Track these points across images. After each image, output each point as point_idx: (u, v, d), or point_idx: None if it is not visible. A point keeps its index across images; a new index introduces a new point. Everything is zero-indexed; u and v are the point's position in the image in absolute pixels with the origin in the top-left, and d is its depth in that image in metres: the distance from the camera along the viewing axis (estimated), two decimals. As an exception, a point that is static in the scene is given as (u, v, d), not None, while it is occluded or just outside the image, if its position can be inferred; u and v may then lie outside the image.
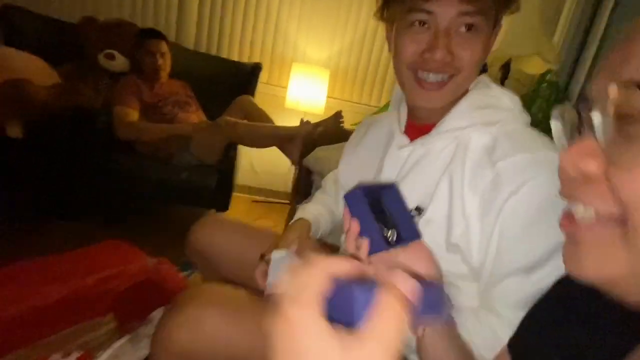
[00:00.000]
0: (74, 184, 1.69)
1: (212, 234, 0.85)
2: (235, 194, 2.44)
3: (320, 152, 1.43)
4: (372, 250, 0.44)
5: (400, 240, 0.46)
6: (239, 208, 2.32)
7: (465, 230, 0.55)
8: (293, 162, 1.75)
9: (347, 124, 1.91)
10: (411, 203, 0.60)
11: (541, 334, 0.46)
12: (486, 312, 0.55)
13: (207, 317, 0.57)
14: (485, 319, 0.54)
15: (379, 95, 2.53)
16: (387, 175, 0.66)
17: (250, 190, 2.57)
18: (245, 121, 1.82)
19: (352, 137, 0.83)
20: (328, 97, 2.30)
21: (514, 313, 0.52)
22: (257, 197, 2.54)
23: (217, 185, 1.77)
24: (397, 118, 0.70)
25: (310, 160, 1.45)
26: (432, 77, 0.58)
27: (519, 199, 0.51)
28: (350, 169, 0.78)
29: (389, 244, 0.43)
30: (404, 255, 0.45)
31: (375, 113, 1.34)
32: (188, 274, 1.22)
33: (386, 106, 1.05)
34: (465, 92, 0.62)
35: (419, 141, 0.62)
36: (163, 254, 1.65)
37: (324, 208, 0.84)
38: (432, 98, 0.59)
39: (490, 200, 0.53)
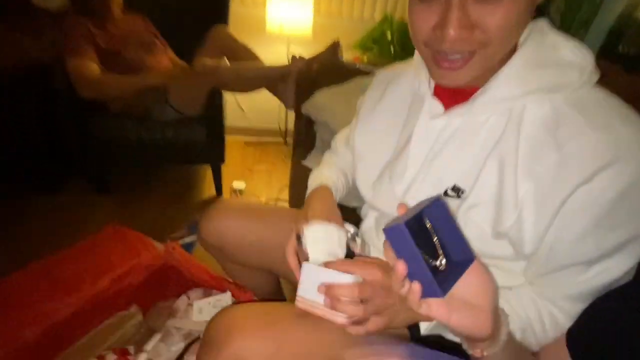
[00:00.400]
0: (48, 152, 1.51)
1: (223, 224, 0.77)
2: (225, 136, 2.29)
3: (320, 98, 1.27)
4: (425, 295, 0.40)
5: (452, 266, 0.42)
6: (232, 154, 2.19)
7: (517, 220, 0.47)
8: (288, 107, 1.57)
9: (342, 48, 1.66)
10: (447, 181, 0.52)
11: (613, 331, 0.45)
12: (545, 301, 0.51)
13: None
14: (545, 309, 0.51)
15: (372, 4, 2.16)
16: (416, 150, 0.56)
17: (239, 130, 2.40)
18: (226, 63, 1.57)
19: (368, 97, 0.69)
20: (315, 14, 1.97)
21: (572, 305, 0.50)
22: (249, 139, 2.40)
23: (207, 138, 1.62)
24: (426, 76, 0.56)
25: (310, 108, 1.29)
26: (451, 55, 0.45)
27: (591, 190, 0.42)
28: (368, 137, 0.66)
29: (438, 274, 0.40)
30: (459, 290, 0.40)
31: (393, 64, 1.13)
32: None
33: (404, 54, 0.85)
34: (514, 49, 0.49)
35: (458, 111, 0.51)
36: (163, 217, 1.62)
37: (339, 173, 0.75)
38: (454, 77, 0.47)
39: (551, 188, 0.44)
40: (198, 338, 0.83)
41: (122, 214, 1.59)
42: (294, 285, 1.03)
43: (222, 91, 1.58)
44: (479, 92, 0.50)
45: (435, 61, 0.47)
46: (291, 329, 0.54)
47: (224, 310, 0.59)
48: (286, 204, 1.71)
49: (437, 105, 0.54)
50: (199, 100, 1.54)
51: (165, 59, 1.67)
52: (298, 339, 0.53)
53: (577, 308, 0.50)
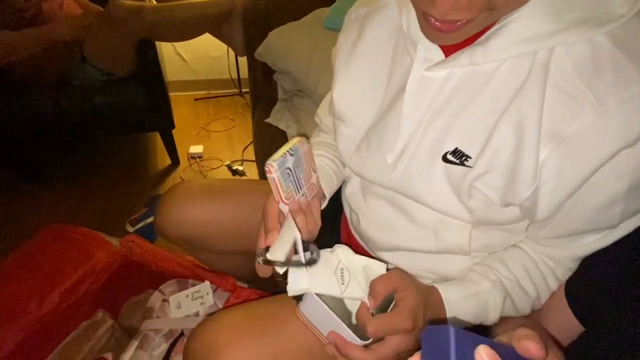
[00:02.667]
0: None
1: (184, 213, 0.65)
2: (171, 95, 2.01)
3: (276, 40, 1.07)
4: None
5: None
6: (182, 115, 1.95)
7: (534, 191, 0.39)
8: (238, 53, 1.35)
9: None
10: (448, 144, 0.42)
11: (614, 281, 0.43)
12: (549, 261, 0.48)
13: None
14: (549, 271, 0.48)
15: None
16: (410, 110, 0.44)
17: (185, 85, 2.12)
18: (151, 3, 1.27)
19: (340, 45, 0.53)
20: None
21: (578, 264, 0.47)
22: (198, 93, 2.13)
23: (147, 101, 1.38)
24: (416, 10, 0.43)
25: (264, 53, 1.09)
26: (443, 18, 0.34)
27: (636, 154, 0.34)
28: (347, 93, 0.52)
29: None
30: None
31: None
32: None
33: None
34: None
35: (463, 58, 0.39)
36: (116, 201, 1.43)
37: (328, 160, 0.60)
38: (447, 39, 0.37)
39: (583, 153, 0.35)
40: (182, 334, 0.75)
41: (63, 207, 1.38)
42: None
43: (155, 41, 1.31)
44: (494, 29, 0.37)
45: (425, 18, 0.36)
46: (285, 334, 0.48)
47: (205, 322, 0.50)
48: (253, 165, 1.57)
49: (435, 50, 0.42)
50: (125, 55, 1.27)
51: (70, 2, 1.33)
52: (294, 344, 0.47)
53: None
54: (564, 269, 0.48)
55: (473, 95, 0.40)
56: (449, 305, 0.45)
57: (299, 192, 0.46)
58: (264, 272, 0.45)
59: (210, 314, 0.77)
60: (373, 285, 0.42)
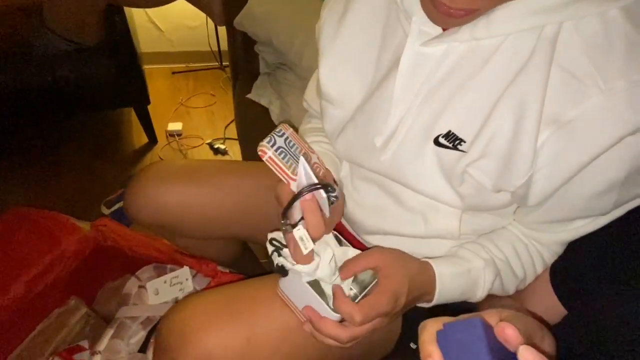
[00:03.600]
0: None
1: (158, 198, 0.60)
2: (146, 68, 1.89)
3: (257, 6, 0.99)
4: None
5: None
6: (159, 89, 1.84)
7: (530, 178, 0.37)
8: (217, 22, 1.25)
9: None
10: (440, 127, 0.39)
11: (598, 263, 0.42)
12: (537, 245, 0.47)
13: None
14: (537, 254, 0.47)
15: None
16: (403, 89, 0.41)
17: (161, 57, 1.99)
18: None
19: (325, 19, 0.49)
20: None
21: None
22: (176, 66, 2.01)
23: (118, 73, 1.28)
24: None
25: (244, 21, 1.01)
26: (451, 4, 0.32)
27: (635, 143, 0.32)
28: (334, 72, 0.48)
29: None
30: None
31: None
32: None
33: None
34: None
35: (464, 30, 0.36)
36: (88, 183, 1.34)
37: (322, 147, 0.56)
38: (456, 22, 0.35)
39: (584, 139, 0.33)
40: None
41: (30, 189, 1.30)
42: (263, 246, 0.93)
43: (124, 7, 1.20)
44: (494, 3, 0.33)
45: (432, 1, 0.33)
46: (260, 315, 0.46)
47: (175, 306, 0.47)
48: (236, 143, 1.51)
49: (431, 24, 0.37)
50: (91, 22, 1.15)
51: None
52: (270, 325, 0.45)
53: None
54: (551, 253, 0.47)
55: (472, 74, 0.37)
56: (441, 281, 0.43)
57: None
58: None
59: (190, 300, 0.75)
60: (347, 262, 0.42)
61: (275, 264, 0.42)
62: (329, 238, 0.44)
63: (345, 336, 0.40)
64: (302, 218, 0.39)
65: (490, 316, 0.27)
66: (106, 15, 1.17)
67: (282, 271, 0.42)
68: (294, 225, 0.39)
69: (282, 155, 0.39)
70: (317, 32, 0.51)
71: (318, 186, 0.38)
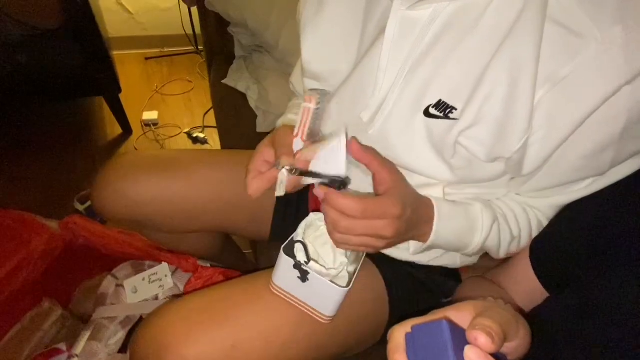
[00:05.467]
0: None
1: (130, 192, 0.56)
2: (116, 53, 1.78)
3: (228, -15, 0.93)
4: None
5: None
6: (132, 76, 1.75)
7: (526, 142, 0.36)
8: (187, 2, 1.18)
9: None
10: (430, 96, 0.38)
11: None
12: (534, 210, 0.46)
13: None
14: (535, 218, 0.46)
15: None
16: (390, 58, 0.39)
17: (132, 42, 1.88)
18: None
19: None
20: None
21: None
22: (149, 51, 1.91)
23: (84, 59, 1.20)
24: None
25: (215, 1, 0.95)
26: None
27: (634, 90, 0.31)
28: (319, 48, 0.46)
29: None
30: None
31: None
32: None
33: None
34: None
35: None
36: (59, 178, 1.27)
37: None
38: None
39: (581, 93, 0.32)
40: (141, 319, 0.70)
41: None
42: (248, 239, 0.90)
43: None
44: None
45: None
46: (245, 318, 0.44)
47: (154, 315, 0.44)
48: (216, 132, 1.46)
49: None
50: (48, 3, 1.06)
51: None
52: (256, 327, 0.44)
53: None
54: (546, 217, 0.46)
55: (461, 36, 0.35)
56: (439, 214, 0.41)
57: (316, 137, 0.44)
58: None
59: (172, 297, 0.72)
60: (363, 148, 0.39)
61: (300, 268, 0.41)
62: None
63: (357, 207, 0.36)
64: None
65: (465, 309, 0.27)
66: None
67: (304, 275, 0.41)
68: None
69: (315, 117, 0.40)
70: (299, 11, 0.48)
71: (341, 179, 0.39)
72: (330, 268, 0.41)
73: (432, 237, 0.42)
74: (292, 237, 0.44)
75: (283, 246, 0.43)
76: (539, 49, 0.32)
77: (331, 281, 0.40)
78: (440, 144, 0.39)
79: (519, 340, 0.27)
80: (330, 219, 0.37)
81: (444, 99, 0.37)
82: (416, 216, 0.40)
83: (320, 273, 0.40)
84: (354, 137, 0.40)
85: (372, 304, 0.53)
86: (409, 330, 0.24)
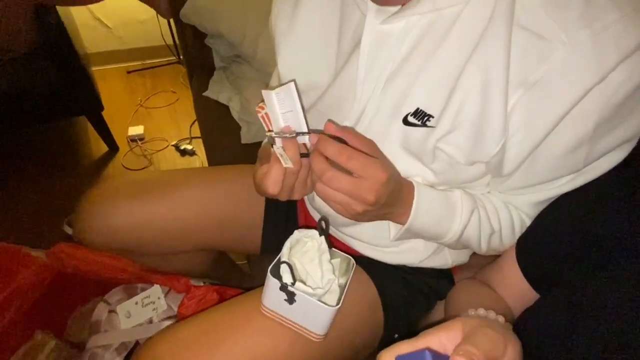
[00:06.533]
0: None
1: (108, 219, 0.55)
2: (97, 69, 1.76)
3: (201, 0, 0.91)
4: None
5: None
6: (114, 90, 1.73)
7: (503, 145, 0.36)
8: (163, 14, 1.16)
9: None
10: (408, 105, 0.38)
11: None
12: (513, 208, 0.46)
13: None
14: (517, 216, 0.46)
15: None
16: (366, 70, 0.39)
17: (112, 56, 1.86)
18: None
19: (279, 9, 0.47)
20: None
21: (538, 209, 0.45)
22: (131, 65, 1.88)
23: (63, 80, 1.18)
24: None
25: (190, 14, 0.93)
26: None
27: (605, 89, 0.32)
28: (296, 62, 0.46)
29: None
30: None
31: None
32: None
33: None
34: None
35: (421, 6, 0.35)
36: (46, 202, 1.25)
37: None
38: (392, 2, 0.35)
39: (553, 96, 0.33)
40: (137, 344, 0.69)
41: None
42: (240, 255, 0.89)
43: (56, 7, 1.09)
44: None
45: None
46: (240, 342, 0.44)
47: (146, 345, 0.44)
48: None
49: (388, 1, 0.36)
50: (20, 26, 1.04)
51: None
52: (251, 350, 0.43)
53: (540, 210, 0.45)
54: (528, 216, 0.46)
55: (434, 47, 0.36)
56: (418, 195, 0.41)
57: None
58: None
59: (165, 319, 0.71)
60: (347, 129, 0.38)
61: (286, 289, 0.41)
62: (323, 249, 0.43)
63: (346, 152, 0.35)
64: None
65: (455, 328, 0.27)
66: (37, 17, 1.06)
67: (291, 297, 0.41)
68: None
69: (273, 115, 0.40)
70: (271, 25, 0.48)
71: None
72: (317, 288, 0.41)
73: (411, 218, 0.41)
74: (279, 257, 0.43)
75: (270, 267, 0.42)
76: (508, 55, 0.33)
77: (320, 300, 0.40)
78: (419, 150, 0.40)
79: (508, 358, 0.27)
80: (316, 166, 0.36)
81: (421, 108, 0.38)
82: (398, 192, 0.39)
83: (307, 293, 0.40)
84: (329, 120, 0.39)
85: (366, 313, 0.53)
86: (394, 358, 0.24)
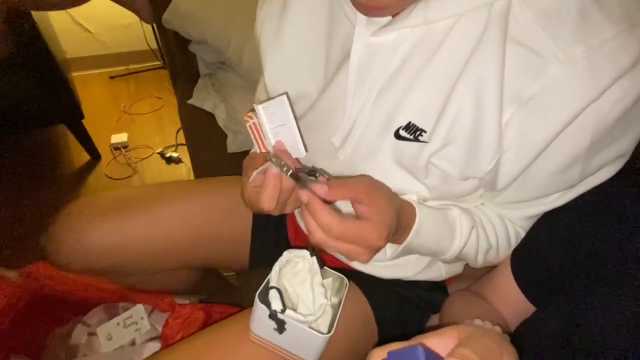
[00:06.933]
0: None
1: (84, 240, 0.52)
2: (78, 74, 1.71)
3: (184, 3, 0.88)
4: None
5: None
6: (96, 96, 1.68)
7: (497, 161, 0.35)
8: (144, 19, 1.12)
9: None
10: (399, 119, 0.37)
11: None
12: (507, 221, 0.46)
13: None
14: (512, 228, 0.46)
15: None
16: (357, 83, 0.38)
17: (95, 61, 1.81)
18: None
19: (264, 18, 0.45)
20: None
21: (531, 222, 0.45)
22: (114, 70, 1.83)
23: (40, 87, 1.13)
24: None
25: (172, 19, 0.90)
26: None
27: (601, 106, 0.31)
28: (283, 73, 0.44)
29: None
30: None
31: None
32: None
33: None
34: None
35: (416, 14, 0.33)
36: (23, 207, 1.19)
37: None
38: (379, 15, 0.34)
39: (549, 112, 0.32)
40: (120, 367, 0.66)
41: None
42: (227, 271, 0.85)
43: (30, 11, 1.04)
44: None
45: None
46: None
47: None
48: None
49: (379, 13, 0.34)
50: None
51: None
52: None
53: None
54: (523, 228, 0.46)
55: (427, 59, 0.35)
56: (419, 220, 0.39)
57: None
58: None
59: (149, 340, 0.68)
60: (334, 185, 0.35)
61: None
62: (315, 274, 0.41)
63: (336, 229, 0.34)
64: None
65: (450, 335, 0.26)
66: (11, 22, 1.01)
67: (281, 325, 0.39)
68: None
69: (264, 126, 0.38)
70: (257, 32, 0.46)
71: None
72: (309, 315, 0.38)
73: (409, 239, 0.40)
74: (267, 280, 0.41)
75: (258, 292, 0.40)
76: (502, 69, 0.32)
77: (312, 327, 0.38)
78: (411, 166, 0.39)
79: None
80: (308, 226, 0.35)
81: (413, 122, 0.37)
82: (397, 225, 0.38)
83: (298, 321, 0.38)
84: (320, 173, 0.37)
85: (360, 333, 0.51)
86: (385, 355, 0.24)
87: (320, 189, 0.35)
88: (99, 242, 0.52)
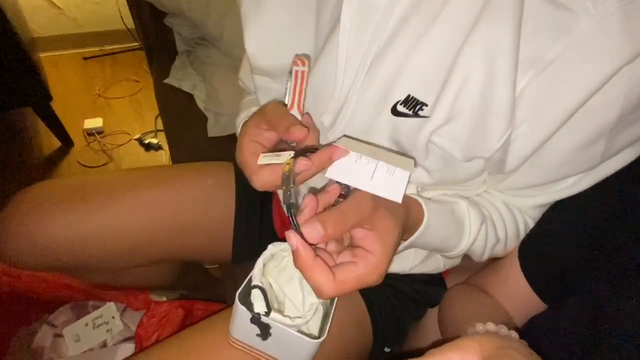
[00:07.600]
0: None
1: (37, 234, 0.46)
2: (48, 55, 1.59)
3: (158, -31, 0.80)
4: None
5: None
6: (69, 78, 1.56)
7: (508, 137, 0.31)
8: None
9: None
10: (397, 92, 0.32)
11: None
12: (515, 210, 0.42)
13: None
14: (521, 219, 0.42)
15: None
16: (348, 51, 0.32)
17: (66, 41, 1.68)
18: None
19: None
20: None
21: (542, 212, 0.41)
22: (87, 50, 1.71)
23: (2, 67, 1.03)
24: None
25: (147, -12, 0.82)
26: None
27: (634, 70, 0.26)
28: (266, 40, 0.38)
29: None
30: None
31: None
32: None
33: None
34: None
35: None
36: None
37: None
38: None
39: (573, 77, 0.27)
40: (90, 370, 0.60)
41: None
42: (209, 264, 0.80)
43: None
44: None
45: None
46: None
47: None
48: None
49: None
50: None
51: None
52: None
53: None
54: (532, 218, 0.42)
55: (428, 20, 0.29)
56: (427, 221, 0.35)
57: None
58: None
59: (122, 342, 0.62)
60: (329, 219, 0.29)
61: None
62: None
63: (332, 290, 0.28)
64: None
65: (471, 351, 0.22)
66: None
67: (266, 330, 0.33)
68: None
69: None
70: None
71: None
72: (296, 317, 0.33)
73: (414, 238, 0.36)
74: (249, 278, 0.35)
75: (238, 292, 0.34)
76: (518, 28, 0.27)
77: (301, 331, 0.33)
78: (411, 145, 0.34)
79: None
80: (301, 273, 0.29)
81: (413, 94, 0.31)
82: (402, 234, 0.33)
83: (285, 324, 0.32)
84: (318, 218, 0.30)
85: (354, 331, 0.47)
86: None
87: (314, 231, 0.28)
88: (52, 236, 0.45)
